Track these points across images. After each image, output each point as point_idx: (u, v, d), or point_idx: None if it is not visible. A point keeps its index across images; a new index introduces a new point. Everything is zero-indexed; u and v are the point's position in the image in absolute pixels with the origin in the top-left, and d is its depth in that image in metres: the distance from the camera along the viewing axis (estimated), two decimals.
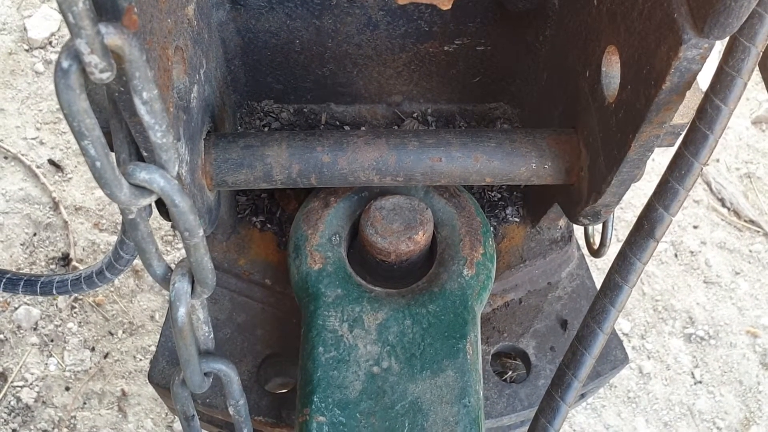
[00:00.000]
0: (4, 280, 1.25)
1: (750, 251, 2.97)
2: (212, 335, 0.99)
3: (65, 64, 0.63)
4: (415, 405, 1.12)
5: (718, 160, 3.17)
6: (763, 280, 2.92)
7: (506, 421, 1.35)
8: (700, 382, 2.72)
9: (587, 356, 0.96)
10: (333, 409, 1.11)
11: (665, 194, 0.89)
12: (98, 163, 0.69)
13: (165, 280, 0.87)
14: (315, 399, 1.12)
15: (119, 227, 2.87)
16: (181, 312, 0.87)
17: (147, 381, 2.64)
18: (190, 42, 1.02)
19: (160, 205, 1.07)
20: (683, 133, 0.90)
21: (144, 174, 0.75)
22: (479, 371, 1.18)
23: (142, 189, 0.76)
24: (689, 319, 2.83)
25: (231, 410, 1.06)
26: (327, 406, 1.11)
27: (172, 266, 0.90)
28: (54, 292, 1.24)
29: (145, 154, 0.92)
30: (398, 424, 1.11)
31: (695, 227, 3.01)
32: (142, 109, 0.72)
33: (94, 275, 1.20)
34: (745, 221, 3.03)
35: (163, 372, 1.31)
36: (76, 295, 2.69)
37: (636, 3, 0.91)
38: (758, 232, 3.01)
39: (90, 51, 0.61)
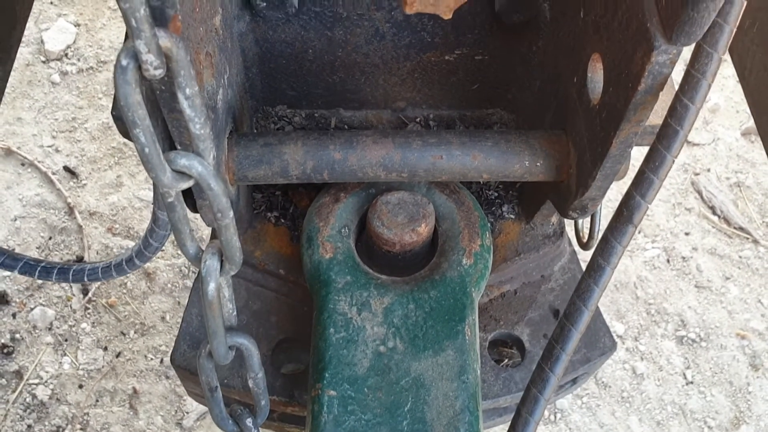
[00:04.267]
0: (39, 269, 1.36)
1: (740, 257, 3.08)
2: (235, 312, 1.10)
3: (124, 62, 0.74)
4: (418, 381, 1.23)
5: (709, 170, 3.29)
6: (752, 284, 3.02)
7: (502, 402, 1.45)
8: (692, 383, 2.82)
9: (574, 331, 1.06)
10: (343, 384, 1.22)
11: (642, 184, 1.00)
12: (147, 149, 0.80)
13: (197, 258, 0.98)
14: (326, 375, 1.22)
15: (133, 230, 2.98)
16: (211, 287, 0.97)
17: (158, 379, 2.74)
18: (217, 49, 1.13)
19: (188, 197, 1.18)
20: None
21: (184, 161, 0.86)
22: (477, 351, 1.28)
23: (182, 174, 0.86)
24: (681, 322, 2.93)
25: (250, 383, 1.16)
26: (337, 381, 1.22)
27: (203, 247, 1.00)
28: (85, 279, 1.34)
29: (179, 147, 1.04)
30: (402, 398, 1.21)
31: (687, 234, 3.12)
32: (184, 104, 0.83)
33: (124, 263, 1.31)
34: (735, 228, 3.14)
35: (185, 355, 1.41)
36: (95, 286, 2.79)
37: (615, 15, 1.03)
38: (747, 238, 3.12)
39: (147, 51, 0.72)
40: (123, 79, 0.74)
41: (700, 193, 3.22)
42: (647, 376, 2.82)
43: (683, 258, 3.06)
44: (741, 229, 3.14)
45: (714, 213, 3.17)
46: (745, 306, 2.98)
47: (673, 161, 0.98)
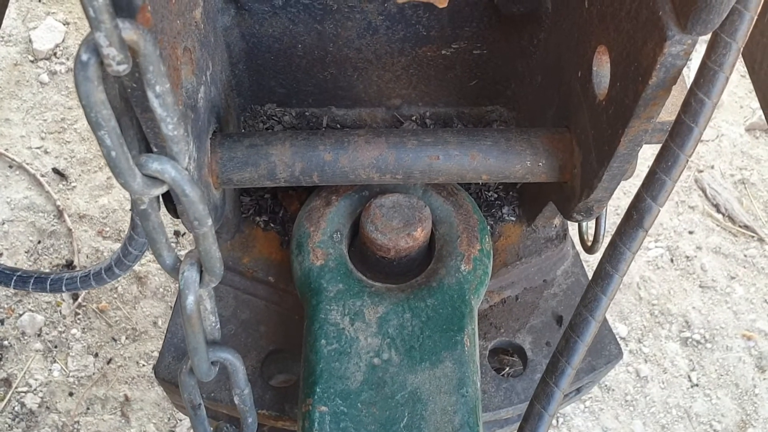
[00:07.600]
0: (14, 278, 1.29)
1: (745, 256, 3.01)
2: (219, 326, 1.02)
3: (84, 57, 0.67)
4: (415, 395, 1.16)
5: (712, 167, 3.21)
6: (757, 284, 2.95)
7: (503, 414, 1.38)
8: (697, 385, 2.75)
9: (580, 343, 0.99)
10: (335, 399, 1.15)
11: (653, 185, 0.93)
12: (113, 153, 0.73)
13: (174, 269, 0.91)
14: (317, 389, 1.15)
15: (124, 232, 2.91)
16: (190, 300, 0.90)
17: (150, 386, 2.67)
18: (198, 44, 1.06)
19: (168, 201, 1.11)
20: None
21: (156, 165, 0.79)
22: (476, 363, 1.21)
23: (154, 179, 0.79)
24: (685, 323, 2.86)
25: (236, 399, 1.09)
26: (329, 396, 1.15)
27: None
28: (63, 289, 1.27)
29: (155, 150, 0.96)
30: (398, 413, 1.14)
31: (691, 233, 3.05)
32: (154, 102, 0.76)
33: (103, 272, 1.24)
34: (740, 226, 3.07)
35: (169, 367, 1.34)
36: (85, 291, 2.72)
37: (624, 3, 0.95)
38: (753, 237, 3.05)
39: (108, 44, 0.65)
40: (83, 76, 0.67)
41: (703, 190, 3.15)
42: (651, 378, 2.75)
43: (687, 257, 2.99)
44: (746, 227, 3.07)
45: (718, 211, 3.10)
46: (750, 306, 2.91)
47: (687, 161, 0.91)
